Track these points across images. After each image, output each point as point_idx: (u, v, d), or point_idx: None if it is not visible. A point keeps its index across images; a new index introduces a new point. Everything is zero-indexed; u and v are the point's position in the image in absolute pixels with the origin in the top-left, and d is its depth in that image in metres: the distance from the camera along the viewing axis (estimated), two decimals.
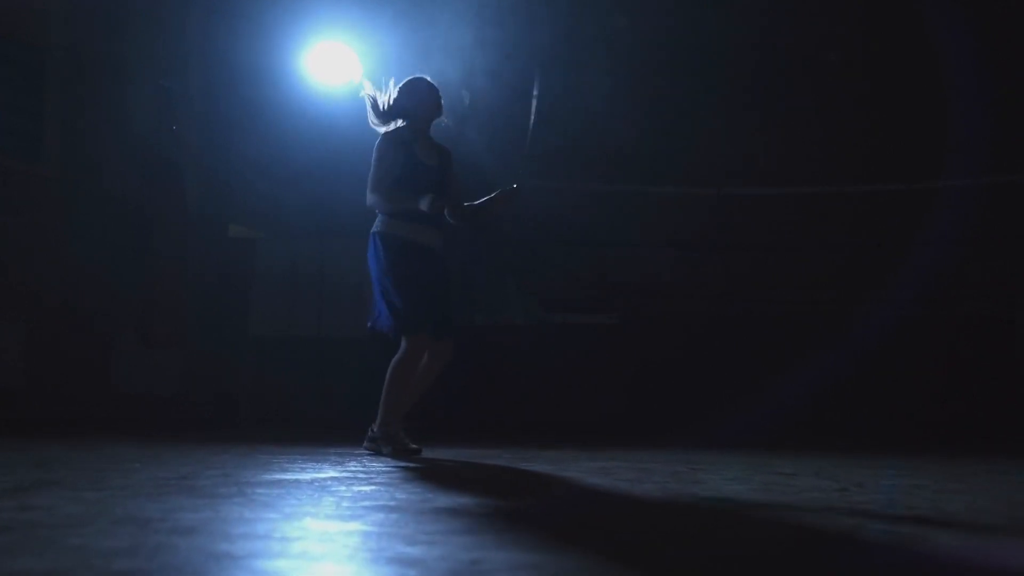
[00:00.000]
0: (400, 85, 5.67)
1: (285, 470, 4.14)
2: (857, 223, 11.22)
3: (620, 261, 11.66)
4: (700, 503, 3.18)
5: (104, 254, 9.46)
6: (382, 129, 5.65)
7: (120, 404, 9.56)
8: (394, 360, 5.48)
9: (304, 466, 4.41)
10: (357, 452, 5.61)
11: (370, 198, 5.50)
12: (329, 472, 4.10)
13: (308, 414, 10.38)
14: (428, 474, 4.23)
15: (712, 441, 7.50)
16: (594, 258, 11.73)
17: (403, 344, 5.46)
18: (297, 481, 3.62)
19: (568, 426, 9.57)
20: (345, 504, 2.89)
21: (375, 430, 5.50)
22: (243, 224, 11.67)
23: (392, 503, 2.91)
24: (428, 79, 5.72)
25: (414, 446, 5.47)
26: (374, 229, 5.55)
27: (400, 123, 5.65)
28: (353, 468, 4.37)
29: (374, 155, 5.52)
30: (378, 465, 4.63)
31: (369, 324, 5.61)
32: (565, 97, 11.68)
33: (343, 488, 3.34)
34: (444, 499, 3.06)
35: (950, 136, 10.51)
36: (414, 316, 5.40)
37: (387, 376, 5.46)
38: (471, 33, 10.92)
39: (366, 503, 2.89)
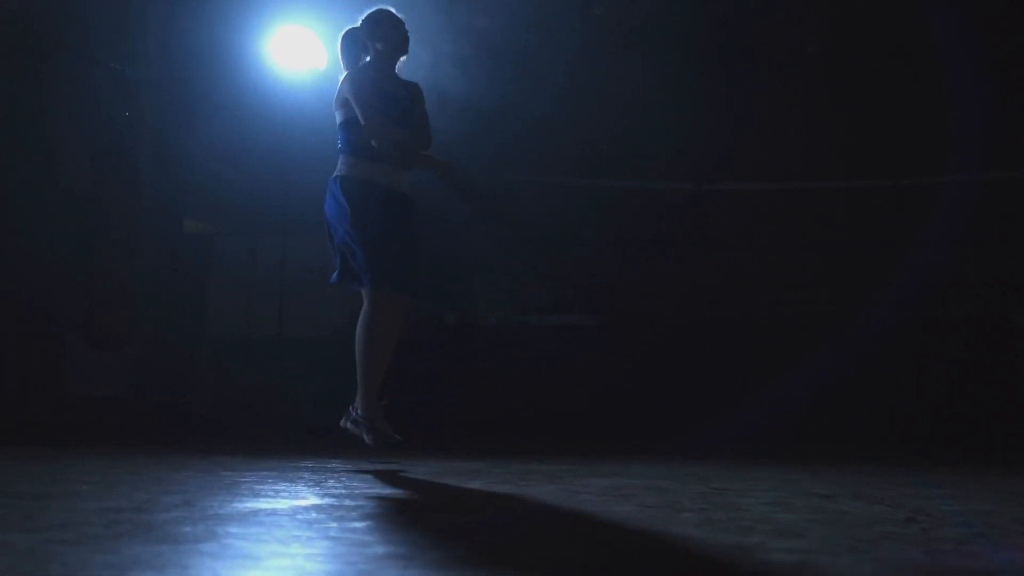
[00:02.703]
0: (361, 18, 5.27)
1: (257, 495, 3.55)
2: (850, 221, 10.78)
3: (595, 259, 11.17)
4: (766, 543, 2.63)
5: (51, 248, 8.86)
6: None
7: (69, 408, 8.94)
8: (360, 323, 5.03)
9: (277, 488, 3.83)
10: (331, 465, 5.06)
11: (377, 136, 5.01)
12: (309, 497, 3.52)
13: (269, 418, 9.78)
14: (425, 502, 3.66)
15: (710, 450, 7.06)
16: (567, 256, 11.23)
17: (366, 299, 5.00)
18: (274, 512, 3.04)
19: (551, 432, 9.03)
20: (341, 551, 2.31)
21: (357, 412, 5.09)
22: (200, 218, 11.06)
23: (402, 550, 2.34)
24: (392, 11, 5.28)
25: (397, 437, 5.05)
26: (338, 173, 5.09)
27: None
28: (335, 491, 3.79)
29: (351, 90, 5.06)
30: (361, 485, 4.05)
31: (334, 278, 5.18)
32: (539, 88, 11.16)
33: (333, 525, 2.76)
34: (464, 544, 2.50)
35: (948, 131, 10.11)
36: (379, 266, 4.95)
37: (358, 344, 5.02)
38: (442, 17, 10.38)
39: (369, 551, 2.32)
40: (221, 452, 5.98)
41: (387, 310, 5.03)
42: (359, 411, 5.12)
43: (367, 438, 5.11)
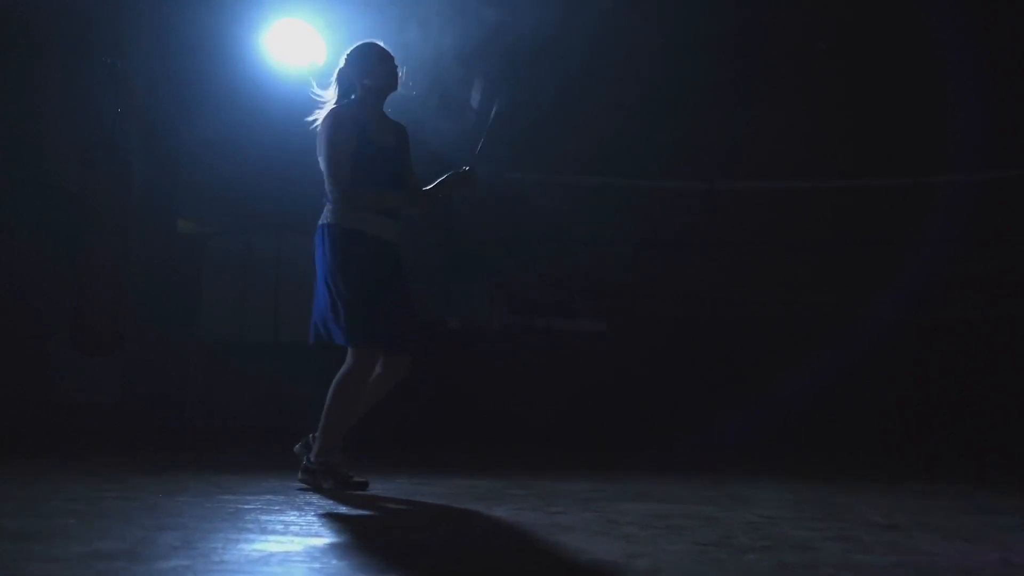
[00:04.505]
0: (347, 53, 4.79)
1: (264, 529, 3.16)
2: (861, 219, 10.42)
3: (603, 260, 10.79)
4: None
5: (39, 246, 8.48)
6: (327, 106, 4.75)
7: (55, 416, 8.54)
8: (338, 375, 4.59)
9: (286, 519, 3.44)
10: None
11: (336, 191, 4.58)
12: (323, 534, 3.13)
13: (265, 428, 9.36)
14: (454, 540, 3.27)
15: (733, 461, 6.76)
16: (574, 257, 10.85)
17: (350, 356, 4.57)
18: (288, 558, 2.65)
19: (562, 442, 8.61)
20: None
21: (311, 460, 4.61)
22: (193, 218, 10.65)
23: None
24: (380, 44, 4.81)
25: (359, 479, 4.57)
26: (323, 220, 4.66)
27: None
28: (350, 523, 3.41)
29: (324, 136, 4.60)
30: (375, 515, 3.67)
31: (312, 335, 4.72)
32: (544, 84, 10.77)
33: None
34: None
35: (961, 129, 9.78)
36: (365, 324, 4.53)
37: (330, 394, 4.58)
38: (448, 9, 9.98)
39: None
40: (217, 469, 5.59)
41: (368, 371, 4.59)
42: (313, 458, 4.62)
43: (326, 484, 4.56)
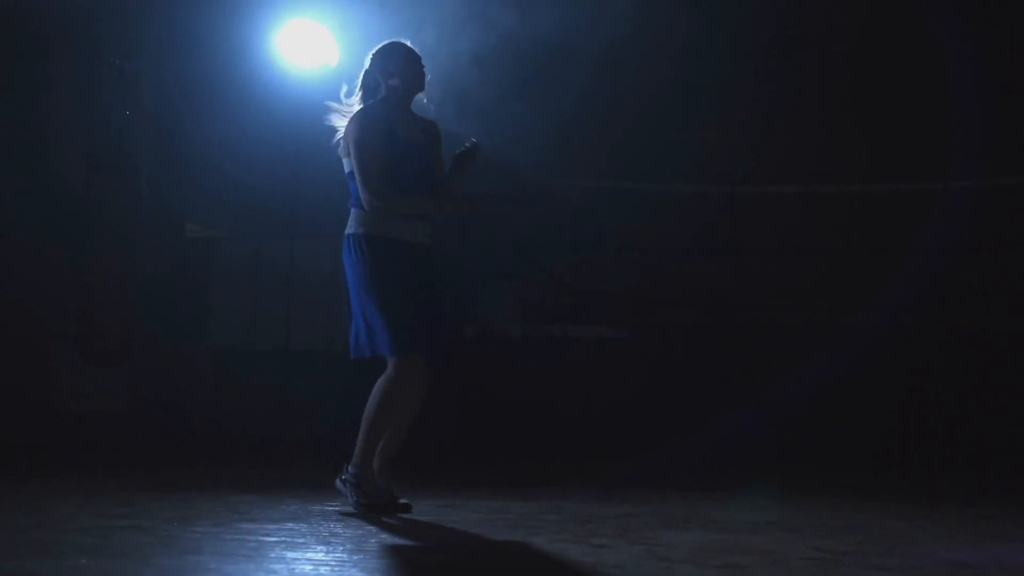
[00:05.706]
0: (372, 53, 4.62)
1: (292, 572, 2.91)
2: (887, 224, 10.18)
3: (620, 266, 10.56)
4: None
5: (44, 254, 8.27)
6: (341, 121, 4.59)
7: (58, 425, 8.32)
8: (380, 383, 4.40)
9: (313, 558, 3.20)
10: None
11: (370, 198, 4.39)
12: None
13: (277, 440, 9.13)
14: None
15: (755, 474, 6.59)
16: (590, 263, 10.61)
17: (391, 367, 4.39)
18: None
19: (587, 457, 8.34)
20: None
21: (349, 470, 4.44)
22: (202, 222, 10.44)
23: None
24: (407, 44, 4.64)
25: (396, 499, 4.40)
26: (350, 230, 4.48)
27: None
28: (380, 560, 3.18)
29: (352, 138, 4.43)
30: (407, 547, 3.43)
31: (353, 351, 4.52)
32: (564, 85, 10.55)
33: None
34: None
35: (980, 133, 9.55)
36: (406, 332, 4.36)
37: (369, 407, 4.40)
38: (464, 12, 9.75)
39: None
40: (232, 488, 5.33)
41: (412, 378, 4.43)
42: (351, 468, 4.47)
43: (352, 499, 4.43)
